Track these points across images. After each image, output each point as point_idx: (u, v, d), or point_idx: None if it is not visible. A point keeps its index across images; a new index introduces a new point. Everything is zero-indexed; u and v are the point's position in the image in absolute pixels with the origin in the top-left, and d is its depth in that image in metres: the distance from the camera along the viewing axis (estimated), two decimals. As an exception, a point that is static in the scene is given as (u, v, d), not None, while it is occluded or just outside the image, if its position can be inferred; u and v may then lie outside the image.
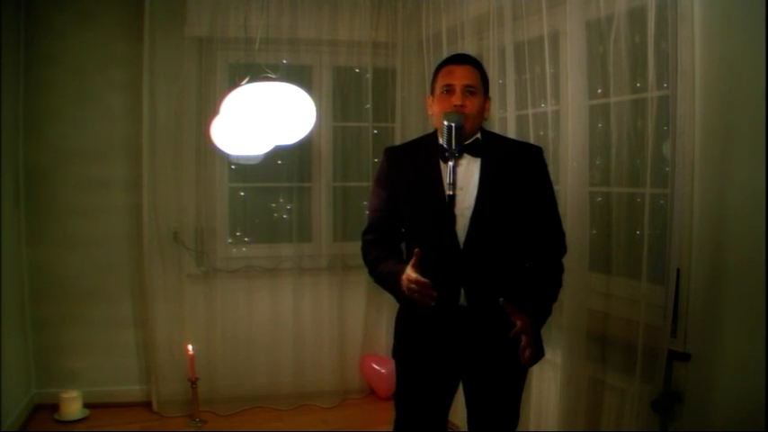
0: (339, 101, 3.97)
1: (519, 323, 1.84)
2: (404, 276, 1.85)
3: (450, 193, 1.82)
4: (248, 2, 3.59)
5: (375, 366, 3.92)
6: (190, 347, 3.60)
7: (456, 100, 1.92)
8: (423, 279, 1.80)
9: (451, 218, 1.89)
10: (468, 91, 1.94)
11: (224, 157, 3.70)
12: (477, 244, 1.92)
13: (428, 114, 2.09)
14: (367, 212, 2.14)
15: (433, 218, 1.91)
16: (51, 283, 3.71)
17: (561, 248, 2.06)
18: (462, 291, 1.93)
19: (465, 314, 1.93)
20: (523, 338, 1.85)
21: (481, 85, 1.98)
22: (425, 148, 2.03)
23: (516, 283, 1.98)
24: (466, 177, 1.94)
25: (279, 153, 3.62)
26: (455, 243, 1.91)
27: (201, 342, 3.70)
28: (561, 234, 2.06)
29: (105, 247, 3.77)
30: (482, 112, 1.99)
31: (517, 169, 1.98)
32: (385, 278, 1.98)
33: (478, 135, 2.00)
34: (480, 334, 1.94)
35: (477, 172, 1.95)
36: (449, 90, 1.95)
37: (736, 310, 2.01)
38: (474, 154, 1.96)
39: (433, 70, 2.09)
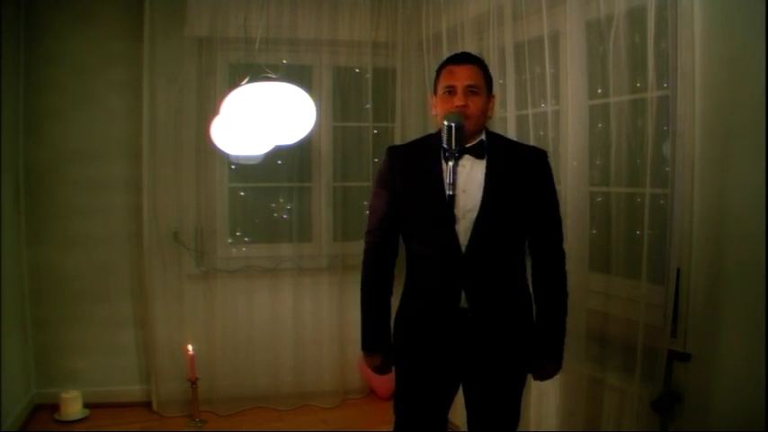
0: (339, 101, 3.96)
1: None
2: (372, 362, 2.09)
3: (450, 193, 1.82)
4: (248, 2, 3.59)
5: (375, 366, 3.92)
6: (190, 347, 3.60)
7: (458, 101, 1.91)
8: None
9: (451, 219, 1.88)
10: (471, 91, 1.92)
11: (224, 157, 3.71)
12: (479, 247, 1.91)
13: (431, 114, 2.08)
14: (368, 213, 2.12)
15: (434, 219, 1.90)
16: (51, 283, 3.71)
17: (563, 254, 2.07)
18: (463, 294, 1.92)
19: (465, 317, 1.92)
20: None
21: (484, 85, 1.96)
22: (428, 148, 2.00)
23: (518, 290, 2.02)
24: (469, 179, 1.93)
25: (279, 153, 3.62)
26: (456, 245, 1.90)
27: (201, 342, 3.70)
28: (562, 239, 2.07)
29: (105, 247, 3.77)
30: (485, 112, 1.97)
31: (522, 172, 1.96)
32: (367, 320, 2.08)
33: (483, 137, 1.98)
34: (481, 337, 1.94)
35: (481, 174, 1.93)
36: (451, 91, 1.93)
37: (736, 310, 2.01)
38: (478, 155, 1.94)
39: (432, 70, 2.10)
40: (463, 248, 1.90)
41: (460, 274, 1.91)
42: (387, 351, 2.06)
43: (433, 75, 2.06)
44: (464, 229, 1.90)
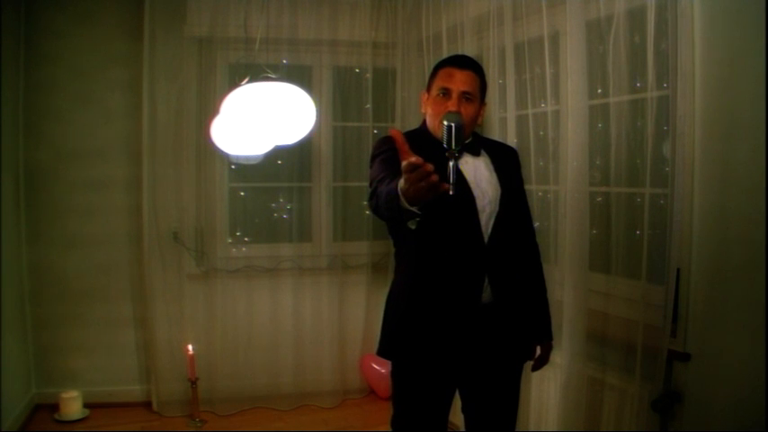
0: (339, 101, 3.97)
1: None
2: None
3: (452, 192, 1.81)
4: (248, 2, 3.59)
5: (375, 366, 3.92)
6: (190, 347, 3.60)
7: (452, 106, 1.89)
8: (414, 160, 1.43)
9: (474, 212, 1.91)
10: (465, 97, 1.92)
11: (224, 157, 3.71)
12: (500, 238, 1.95)
13: (420, 111, 2.07)
14: (369, 189, 1.87)
15: (454, 213, 1.90)
16: (51, 283, 3.71)
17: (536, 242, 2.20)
18: (487, 284, 1.93)
19: (487, 310, 1.93)
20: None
21: (479, 92, 1.96)
22: (426, 143, 1.94)
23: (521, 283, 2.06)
24: (477, 174, 1.95)
25: (279, 153, 3.62)
26: (479, 237, 1.92)
27: (201, 342, 3.70)
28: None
29: (105, 247, 3.77)
30: (476, 119, 1.98)
31: (510, 166, 2.06)
32: (386, 195, 1.65)
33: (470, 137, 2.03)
34: (498, 328, 1.95)
35: (484, 168, 1.97)
36: (446, 94, 1.93)
37: (736, 310, 2.01)
38: (473, 153, 1.98)
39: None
40: (486, 240, 1.93)
41: (483, 265, 1.93)
42: None
43: None
44: (485, 221, 1.93)
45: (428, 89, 2.02)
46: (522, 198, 2.12)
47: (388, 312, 2.03)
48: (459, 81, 1.92)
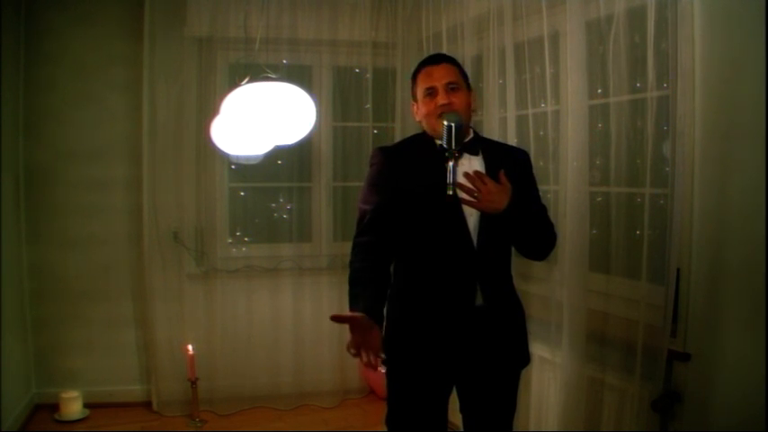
0: (339, 101, 3.97)
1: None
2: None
3: (451, 192, 1.81)
4: (248, 2, 3.59)
5: (375, 366, 3.92)
6: (190, 347, 3.60)
7: (441, 99, 1.91)
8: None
9: (462, 216, 1.89)
10: (451, 88, 1.93)
11: (224, 157, 3.71)
12: (489, 242, 1.92)
13: (416, 120, 2.06)
14: (359, 215, 1.99)
15: (444, 217, 1.90)
16: (51, 283, 3.72)
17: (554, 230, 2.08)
18: (479, 290, 1.91)
19: (481, 314, 1.92)
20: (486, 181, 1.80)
21: (462, 80, 1.98)
22: (422, 147, 1.99)
23: (513, 288, 2.04)
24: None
25: (279, 153, 3.62)
26: (468, 241, 1.91)
27: (201, 342, 3.70)
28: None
29: (105, 247, 3.77)
30: (469, 105, 1.98)
31: (513, 168, 1.97)
32: (353, 298, 1.83)
33: (471, 134, 2.00)
34: (490, 332, 1.93)
35: (480, 169, 1.92)
36: (431, 92, 1.94)
37: (736, 310, 2.01)
38: (473, 152, 1.96)
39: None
40: (475, 244, 1.91)
41: (474, 270, 1.91)
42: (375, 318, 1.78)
43: None
44: (473, 226, 1.91)
45: (414, 97, 2.03)
46: (535, 202, 2.03)
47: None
48: (440, 75, 1.94)
